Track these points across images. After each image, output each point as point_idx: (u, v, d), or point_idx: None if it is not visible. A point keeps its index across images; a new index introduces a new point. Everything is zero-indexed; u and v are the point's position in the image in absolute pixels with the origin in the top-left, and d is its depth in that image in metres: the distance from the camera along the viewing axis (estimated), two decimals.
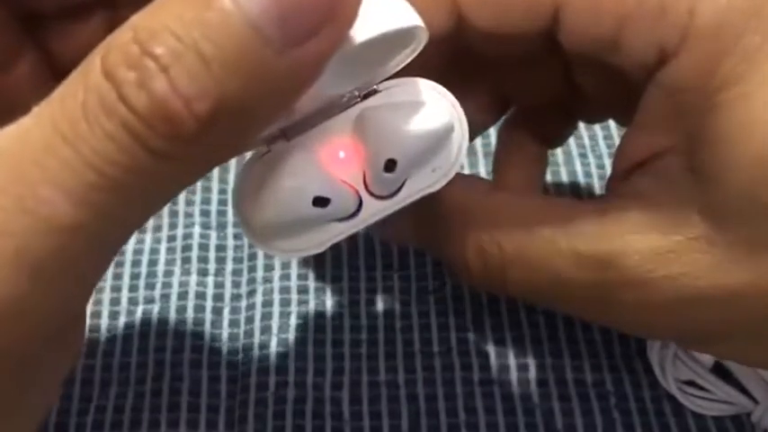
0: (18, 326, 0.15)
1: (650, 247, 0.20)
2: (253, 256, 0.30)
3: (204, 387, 0.27)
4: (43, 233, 0.14)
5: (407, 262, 0.30)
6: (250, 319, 0.29)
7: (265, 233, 0.20)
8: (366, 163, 0.19)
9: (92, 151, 0.14)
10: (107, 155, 0.14)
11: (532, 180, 0.27)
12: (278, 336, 0.28)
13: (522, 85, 0.25)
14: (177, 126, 0.14)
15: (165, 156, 0.14)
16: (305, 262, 0.30)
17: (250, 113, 0.15)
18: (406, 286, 0.30)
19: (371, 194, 0.20)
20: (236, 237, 0.31)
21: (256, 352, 0.28)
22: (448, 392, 0.27)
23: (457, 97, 0.20)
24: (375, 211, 0.20)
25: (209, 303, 0.29)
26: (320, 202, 0.19)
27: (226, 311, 0.29)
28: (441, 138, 0.20)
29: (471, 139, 0.28)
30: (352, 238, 0.30)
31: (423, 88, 0.20)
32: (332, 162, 0.19)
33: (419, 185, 0.20)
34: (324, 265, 0.30)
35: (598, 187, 0.32)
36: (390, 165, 0.19)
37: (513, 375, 0.28)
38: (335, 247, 0.30)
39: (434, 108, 0.19)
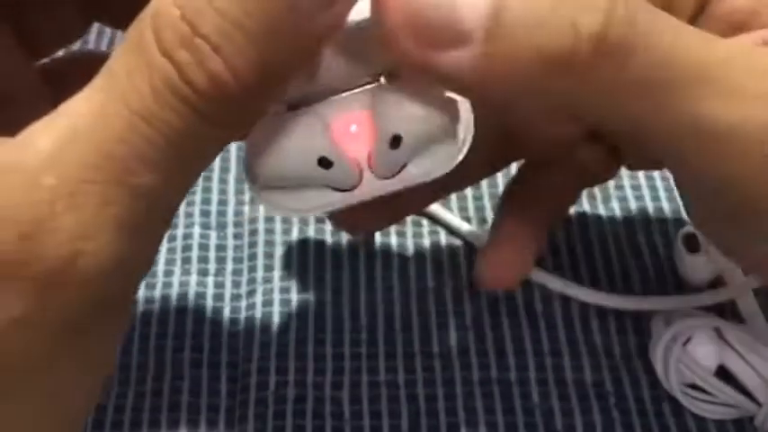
0: (118, 280, 0.17)
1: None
2: (253, 256, 0.30)
3: (204, 387, 0.27)
4: (136, 200, 0.16)
5: (407, 262, 0.30)
6: (250, 319, 0.29)
7: (267, 183, 0.21)
8: (374, 139, 0.20)
9: (165, 126, 0.16)
10: (176, 127, 0.16)
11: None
12: (278, 336, 0.28)
13: (534, 130, 0.25)
14: (228, 94, 0.16)
15: (216, 122, 0.17)
16: (305, 262, 0.30)
17: (282, 75, 0.17)
18: (406, 286, 0.30)
19: (373, 173, 0.21)
20: (235, 237, 0.31)
21: (256, 352, 0.28)
22: (448, 392, 0.27)
23: None
24: (373, 188, 0.21)
25: (209, 303, 0.29)
26: (324, 163, 0.20)
27: (226, 311, 0.29)
28: (446, 127, 0.20)
29: (472, 182, 0.29)
30: (354, 240, 0.31)
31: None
32: (343, 133, 0.20)
33: (417, 171, 0.21)
34: (324, 265, 0.30)
35: (598, 187, 0.32)
36: (396, 141, 0.20)
37: (513, 375, 0.28)
38: (335, 247, 0.31)
39: (447, 99, 0.21)
